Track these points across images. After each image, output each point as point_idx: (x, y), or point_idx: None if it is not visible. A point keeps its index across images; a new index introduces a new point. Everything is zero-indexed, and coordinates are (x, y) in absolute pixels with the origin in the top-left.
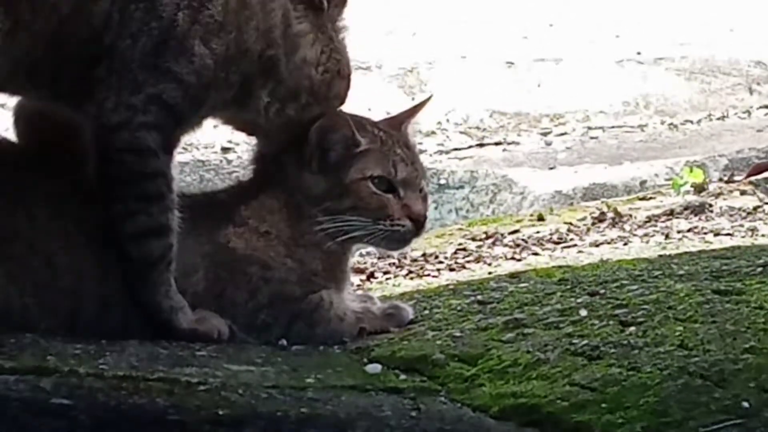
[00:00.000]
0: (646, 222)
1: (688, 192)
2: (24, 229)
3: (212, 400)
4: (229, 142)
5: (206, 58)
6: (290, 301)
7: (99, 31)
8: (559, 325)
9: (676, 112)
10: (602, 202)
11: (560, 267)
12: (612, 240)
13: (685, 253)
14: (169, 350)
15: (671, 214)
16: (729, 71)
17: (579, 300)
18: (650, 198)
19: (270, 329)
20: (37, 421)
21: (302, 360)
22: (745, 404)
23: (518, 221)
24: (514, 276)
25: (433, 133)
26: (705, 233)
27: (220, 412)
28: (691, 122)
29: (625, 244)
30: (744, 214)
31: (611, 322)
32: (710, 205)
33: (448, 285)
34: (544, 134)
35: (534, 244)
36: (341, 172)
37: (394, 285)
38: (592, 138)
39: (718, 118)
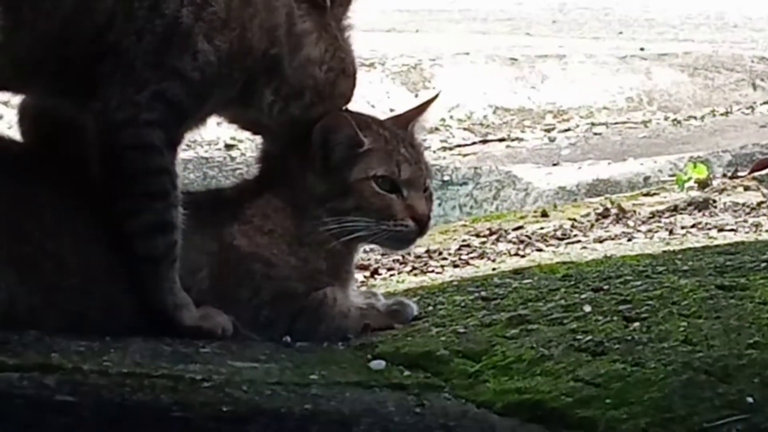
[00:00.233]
0: (650, 218)
1: (691, 188)
2: (32, 228)
3: (216, 396)
4: (233, 139)
5: (210, 55)
6: (294, 298)
7: (103, 29)
8: (563, 321)
9: (680, 108)
10: (606, 198)
11: (564, 263)
12: (616, 236)
13: (689, 248)
14: (172, 347)
15: (675, 209)
16: (732, 67)
17: (583, 296)
18: (654, 194)
19: (274, 326)
20: (41, 418)
21: (306, 356)
22: (750, 399)
23: (522, 217)
24: (517, 272)
25: (437, 129)
26: (709, 229)
27: (224, 409)
28: (695, 118)
29: (629, 239)
30: (748, 210)
31: (615, 318)
32: (714, 201)
33: (452, 281)
34: (548, 130)
35: (538, 240)
36: (345, 172)
37: (397, 281)
38: (595, 134)
39: (722, 114)
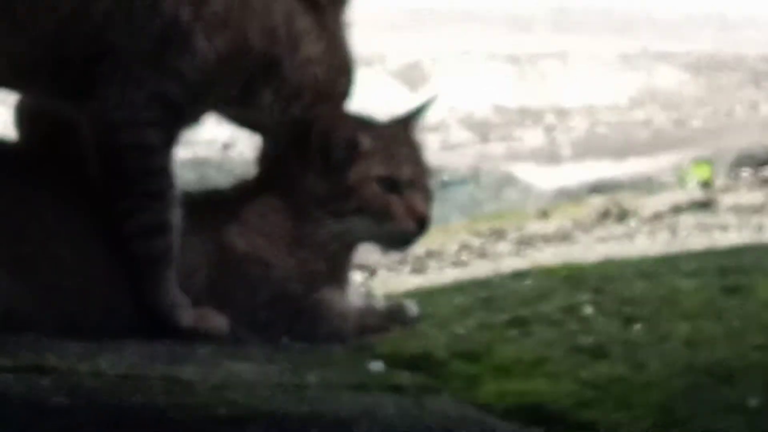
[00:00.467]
0: (652, 218)
1: (694, 188)
2: (29, 229)
3: (213, 398)
4: (231, 139)
5: (208, 54)
6: (292, 299)
7: (100, 29)
8: (563, 323)
9: (682, 107)
10: (607, 198)
11: (565, 264)
12: (617, 236)
13: (692, 249)
14: (169, 348)
15: (677, 210)
16: (735, 66)
17: (584, 297)
18: (656, 194)
19: (272, 327)
20: (36, 420)
21: (304, 358)
22: (753, 402)
23: (522, 218)
24: (518, 273)
25: (437, 129)
26: (711, 229)
27: (221, 411)
28: (697, 118)
29: (631, 240)
30: (751, 210)
31: (616, 320)
32: (717, 201)
33: (451, 282)
34: (549, 130)
35: (538, 241)
36: (344, 173)
37: (397, 282)
38: (597, 133)
39: (725, 114)
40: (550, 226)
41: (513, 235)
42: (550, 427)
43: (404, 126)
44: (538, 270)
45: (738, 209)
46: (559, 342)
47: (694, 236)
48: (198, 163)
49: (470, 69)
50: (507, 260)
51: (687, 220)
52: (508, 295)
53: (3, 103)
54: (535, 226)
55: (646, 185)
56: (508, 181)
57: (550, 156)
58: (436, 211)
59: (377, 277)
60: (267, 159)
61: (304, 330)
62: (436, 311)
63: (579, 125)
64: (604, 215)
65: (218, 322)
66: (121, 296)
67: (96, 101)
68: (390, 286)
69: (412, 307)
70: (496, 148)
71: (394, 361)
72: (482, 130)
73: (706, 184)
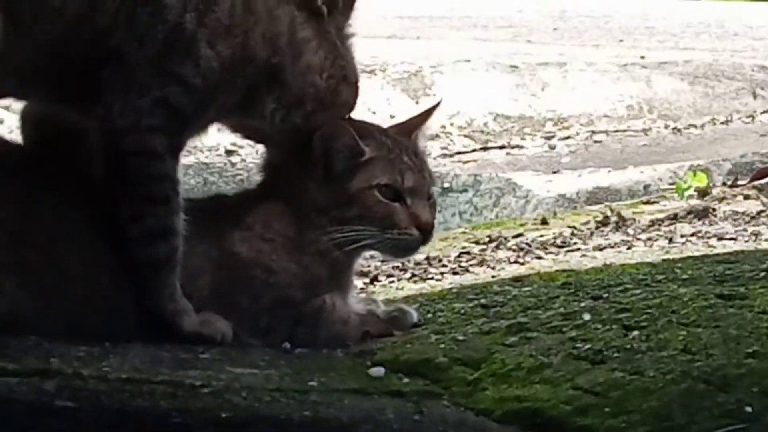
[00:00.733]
0: (650, 226)
1: (691, 196)
2: (34, 235)
3: (215, 403)
4: (234, 145)
5: (212, 61)
6: (294, 304)
7: (105, 36)
8: (562, 329)
9: (680, 116)
10: (606, 206)
11: (564, 271)
12: (615, 244)
13: (689, 257)
14: (172, 353)
15: (675, 218)
16: (733, 75)
17: (582, 304)
18: (654, 202)
19: (274, 332)
20: (41, 423)
21: (305, 363)
22: (749, 409)
23: (522, 225)
24: (517, 280)
25: (437, 136)
26: (708, 237)
27: (224, 415)
28: (695, 126)
29: (629, 248)
30: (747, 219)
31: (614, 327)
32: (714, 210)
33: (451, 288)
34: (548, 138)
35: (537, 248)
36: (347, 181)
37: (397, 288)
38: (596, 142)
39: (722, 123)
40: (549, 234)
41: (512, 242)
42: None
43: (408, 133)
44: (537, 277)
45: (735, 217)
46: (557, 348)
47: (691, 244)
48: (201, 169)
49: (471, 77)
50: (506, 267)
51: (684, 228)
52: (507, 302)
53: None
54: (535, 234)
55: (644, 193)
56: (508, 188)
57: (549, 164)
58: (437, 217)
59: (378, 283)
60: (270, 168)
61: (306, 335)
62: (436, 317)
63: (578, 133)
64: (603, 223)
65: (220, 326)
66: (125, 301)
67: (100, 107)
68: (390, 293)
69: (413, 313)
70: (496, 155)
71: (394, 367)
72: (482, 137)
73: (703, 193)
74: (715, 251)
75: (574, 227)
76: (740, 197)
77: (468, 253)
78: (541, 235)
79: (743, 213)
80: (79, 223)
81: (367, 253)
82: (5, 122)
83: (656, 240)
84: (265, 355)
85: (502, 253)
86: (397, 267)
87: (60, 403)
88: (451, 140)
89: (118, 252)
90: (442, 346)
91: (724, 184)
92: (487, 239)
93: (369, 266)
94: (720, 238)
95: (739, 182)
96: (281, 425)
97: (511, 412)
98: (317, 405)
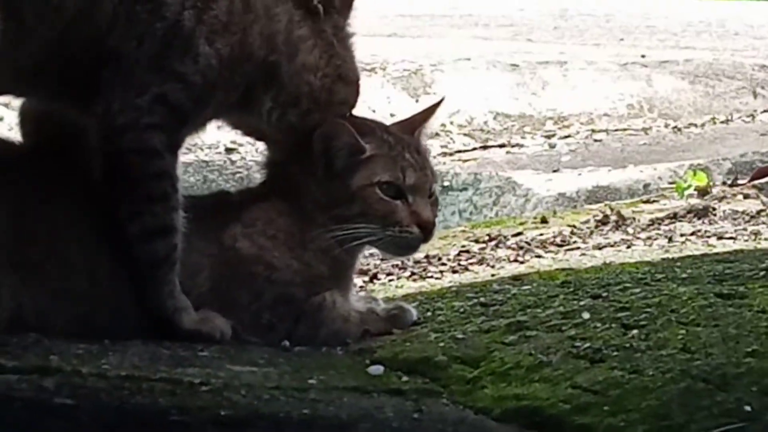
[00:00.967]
0: (650, 225)
1: (691, 195)
2: (37, 233)
3: (215, 400)
4: (233, 142)
5: (211, 59)
6: (294, 302)
7: (104, 33)
8: (561, 328)
9: (680, 115)
10: (605, 205)
11: (563, 270)
12: (615, 243)
13: (688, 256)
14: (171, 350)
15: (674, 217)
16: (733, 75)
17: (582, 303)
18: (653, 201)
19: (273, 330)
20: (40, 420)
21: (305, 361)
22: (748, 408)
23: (521, 223)
24: (516, 278)
25: (437, 134)
26: (708, 237)
27: (223, 413)
28: (695, 126)
29: (628, 247)
30: (747, 218)
31: (614, 325)
32: (713, 209)
33: (450, 287)
34: (548, 137)
35: (537, 247)
36: (348, 179)
37: (397, 287)
38: (596, 141)
39: (722, 122)
40: (548, 232)
41: (512, 240)
42: (547, 431)
43: (411, 130)
44: (537, 276)
45: (734, 217)
46: (556, 347)
47: (690, 243)
48: (201, 167)
49: (471, 76)
50: (506, 266)
51: (684, 227)
52: (506, 300)
53: (8, 106)
54: (534, 232)
55: (644, 192)
56: (508, 187)
57: (549, 163)
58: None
59: (377, 281)
60: (271, 166)
61: (307, 332)
62: (435, 316)
63: (578, 132)
64: (603, 222)
65: (219, 324)
66: (127, 298)
67: (99, 105)
68: (390, 291)
69: (412, 312)
70: (496, 154)
71: (394, 365)
72: (482, 136)
73: (703, 192)
74: (715, 250)
75: (574, 226)
76: (740, 196)
77: (468, 251)
78: (541, 234)
79: (743, 212)
80: (80, 220)
81: (367, 251)
82: (5, 120)
83: (656, 239)
84: (264, 353)
85: (501, 252)
86: (397, 265)
87: (59, 401)
88: (451, 138)
89: (118, 249)
90: (442, 344)
91: (724, 183)
92: (486, 238)
93: (369, 264)
94: (720, 237)
95: (739, 181)
96: (280, 423)
97: (510, 411)
98: (316, 403)
